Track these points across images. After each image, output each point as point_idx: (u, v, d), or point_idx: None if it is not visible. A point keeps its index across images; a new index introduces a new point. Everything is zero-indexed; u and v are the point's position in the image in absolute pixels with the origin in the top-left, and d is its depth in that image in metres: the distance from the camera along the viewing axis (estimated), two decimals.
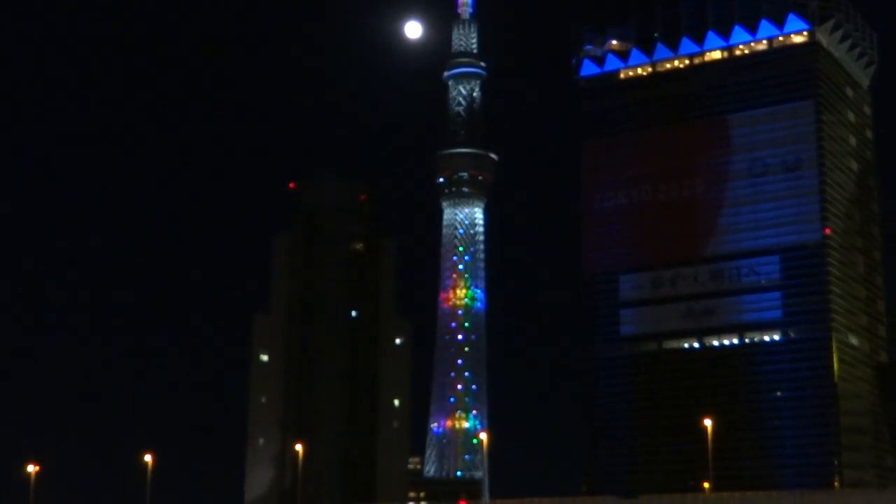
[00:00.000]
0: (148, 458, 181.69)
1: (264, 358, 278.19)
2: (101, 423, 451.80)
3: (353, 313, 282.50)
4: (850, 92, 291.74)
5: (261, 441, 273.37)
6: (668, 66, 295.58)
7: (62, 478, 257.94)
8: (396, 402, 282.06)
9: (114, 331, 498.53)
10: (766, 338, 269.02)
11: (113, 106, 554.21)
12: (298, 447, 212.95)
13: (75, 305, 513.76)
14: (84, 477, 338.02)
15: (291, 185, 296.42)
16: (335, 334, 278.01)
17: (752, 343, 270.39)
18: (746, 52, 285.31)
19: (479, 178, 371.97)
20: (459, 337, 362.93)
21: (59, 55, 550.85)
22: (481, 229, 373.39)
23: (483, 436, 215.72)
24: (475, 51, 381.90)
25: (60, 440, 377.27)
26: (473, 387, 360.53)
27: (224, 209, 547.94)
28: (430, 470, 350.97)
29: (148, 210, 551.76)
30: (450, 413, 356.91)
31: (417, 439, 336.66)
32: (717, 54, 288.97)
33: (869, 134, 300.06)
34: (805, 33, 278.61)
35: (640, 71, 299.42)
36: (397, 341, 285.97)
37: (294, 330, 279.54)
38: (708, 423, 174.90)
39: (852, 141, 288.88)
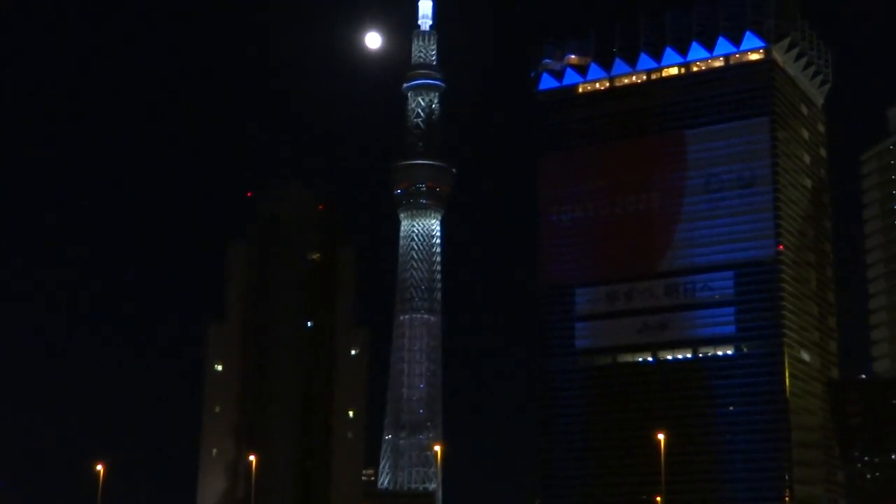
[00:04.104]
0: (99, 467, 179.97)
1: (219, 367, 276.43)
2: (50, 431, 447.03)
3: (310, 323, 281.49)
4: (804, 109, 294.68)
5: (214, 451, 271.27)
6: (626, 81, 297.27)
7: (16, 488, 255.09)
8: (351, 413, 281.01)
9: (66, 336, 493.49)
10: (720, 352, 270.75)
11: (74, 105, 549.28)
12: (252, 457, 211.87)
13: (26, 306, 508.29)
14: (34, 487, 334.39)
15: (249, 193, 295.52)
16: (291, 344, 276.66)
17: (706, 357, 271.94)
18: (703, 68, 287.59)
19: (437, 189, 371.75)
20: (416, 348, 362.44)
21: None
22: (438, 241, 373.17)
23: (437, 448, 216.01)
24: (434, 63, 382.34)
25: (12, 449, 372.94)
26: (428, 398, 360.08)
27: (181, 216, 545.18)
28: (385, 481, 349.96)
29: (102, 215, 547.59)
30: (405, 424, 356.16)
31: (372, 450, 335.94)
32: (674, 70, 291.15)
33: (822, 152, 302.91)
34: (761, 51, 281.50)
35: (598, 85, 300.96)
36: (353, 352, 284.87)
37: (249, 339, 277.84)
38: (661, 437, 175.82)
39: (806, 158, 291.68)
